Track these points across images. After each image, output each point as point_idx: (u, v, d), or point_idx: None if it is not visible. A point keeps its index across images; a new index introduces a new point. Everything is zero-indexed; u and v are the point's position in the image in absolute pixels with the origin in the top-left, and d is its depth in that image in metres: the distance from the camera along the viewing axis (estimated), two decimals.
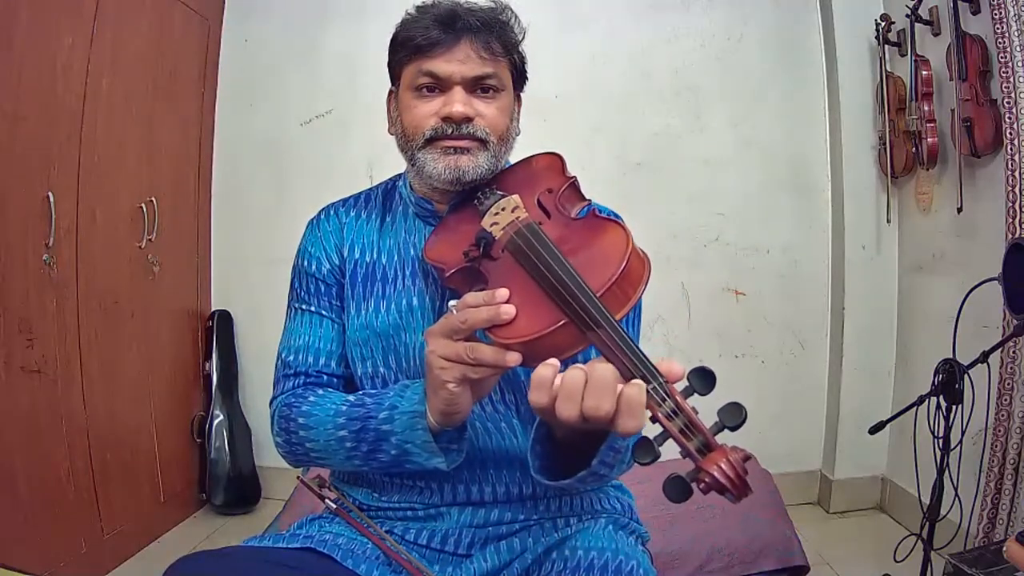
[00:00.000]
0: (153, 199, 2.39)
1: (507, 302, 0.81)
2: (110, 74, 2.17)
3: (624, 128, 2.74)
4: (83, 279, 2.09)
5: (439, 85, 0.98)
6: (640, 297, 0.82)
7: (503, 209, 0.94)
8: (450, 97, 0.97)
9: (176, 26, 2.52)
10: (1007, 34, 1.91)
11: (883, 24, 2.49)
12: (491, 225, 0.93)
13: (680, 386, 0.72)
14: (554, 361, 0.76)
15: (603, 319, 0.76)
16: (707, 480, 0.67)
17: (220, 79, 2.78)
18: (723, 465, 0.66)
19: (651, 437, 0.70)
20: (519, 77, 1.06)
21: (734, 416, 0.68)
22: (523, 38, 1.04)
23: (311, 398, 1.01)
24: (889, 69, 2.48)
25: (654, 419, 0.70)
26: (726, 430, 0.69)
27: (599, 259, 0.83)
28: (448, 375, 0.84)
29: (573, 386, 0.74)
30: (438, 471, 0.94)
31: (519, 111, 1.08)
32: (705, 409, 0.71)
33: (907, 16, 2.36)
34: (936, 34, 2.33)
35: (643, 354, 0.75)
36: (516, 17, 1.03)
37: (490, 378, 0.85)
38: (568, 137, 2.67)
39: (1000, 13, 1.92)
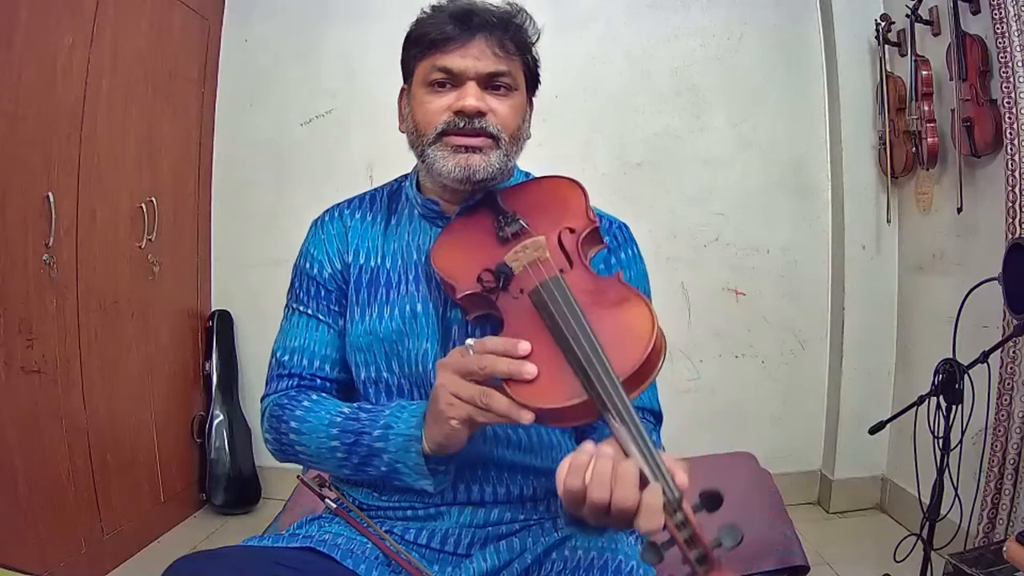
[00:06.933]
0: (153, 199, 2.39)
1: (527, 356, 0.82)
2: (110, 74, 2.17)
3: (624, 128, 2.73)
4: (83, 279, 2.09)
5: (452, 81, 0.98)
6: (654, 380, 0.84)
7: (526, 248, 0.94)
8: (463, 91, 0.97)
9: (176, 26, 2.52)
10: (1007, 34, 1.91)
11: (883, 24, 2.49)
12: (512, 260, 0.93)
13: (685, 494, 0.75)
14: (589, 448, 0.77)
15: (624, 409, 0.76)
16: None
17: (220, 79, 2.78)
18: None
19: (659, 543, 0.74)
20: (532, 80, 1.06)
21: (732, 537, 0.73)
22: (537, 39, 1.04)
23: (305, 403, 1.01)
24: (889, 69, 2.48)
25: (664, 525, 0.73)
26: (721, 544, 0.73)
27: (624, 339, 0.83)
28: (455, 412, 0.84)
29: (603, 472, 0.75)
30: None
31: (530, 115, 1.08)
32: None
33: (907, 16, 2.36)
34: (936, 34, 2.33)
35: (656, 450, 0.75)
36: (531, 20, 1.03)
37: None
38: (568, 137, 2.68)
39: (1000, 13, 1.92)
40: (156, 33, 2.40)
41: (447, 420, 0.85)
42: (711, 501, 0.73)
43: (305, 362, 1.05)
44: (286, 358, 1.06)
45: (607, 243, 1.02)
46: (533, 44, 1.03)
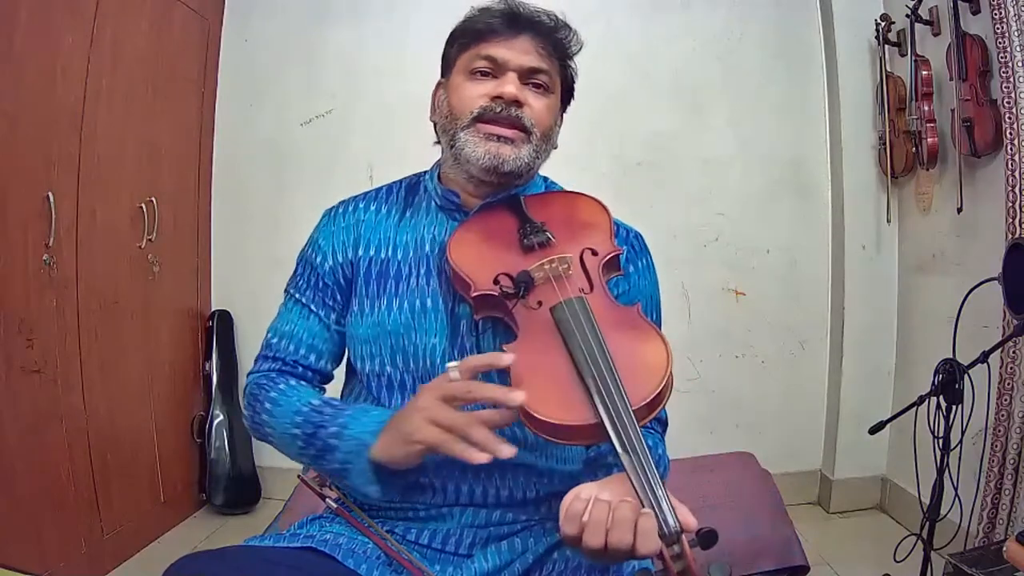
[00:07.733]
0: (153, 199, 2.39)
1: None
2: (110, 74, 2.17)
3: (624, 128, 2.73)
4: (83, 279, 2.09)
5: (494, 70, 1.00)
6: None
7: (552, 262, 0.95)
8: (504, 80, 0.99)
9: (176, 26, 2.52)
10: (1007, 34, 1.91)
11: (883, 24, 2.49)
12: (537, 271, 0.94)
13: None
14: (586, 495, 0.80)
15: (636, 438, 0.77)
16: None
17: (220, 79, 2.78)
18: None
19: (652, 571, 0.76)
20: (567, 91, 1.09)
21: (722, 572, 0.76)
22: (579, 50, 1.07)
23: (281, 386, 1.03)
24: (889, 69, 2.48)
25: (659, 555, 0.75)
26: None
27: (639, 370, 0.84)
28: (423, 436, 0.84)
29: (599, 520, 0.77)
30: (442, 470, 0.95)
31: (560, 127, 1.09)
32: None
33: (907, 16, 2.36)
34: (936, 34, 2.33)
35: (661, 482, 0.76)
36: (576, 35, 1.06)
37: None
38: (568, 137, 2.66)
39: (1000, 13, 1.92)
40: (156, 33, 2.40)
41: (413, 442, 0.85)
42: (706, 539, 0.75)
43: (291, 348, 1.07)
44: (274, 340, 1.08)
45: (623, 270, 1.04)
46: (573, 55, 1.07)
